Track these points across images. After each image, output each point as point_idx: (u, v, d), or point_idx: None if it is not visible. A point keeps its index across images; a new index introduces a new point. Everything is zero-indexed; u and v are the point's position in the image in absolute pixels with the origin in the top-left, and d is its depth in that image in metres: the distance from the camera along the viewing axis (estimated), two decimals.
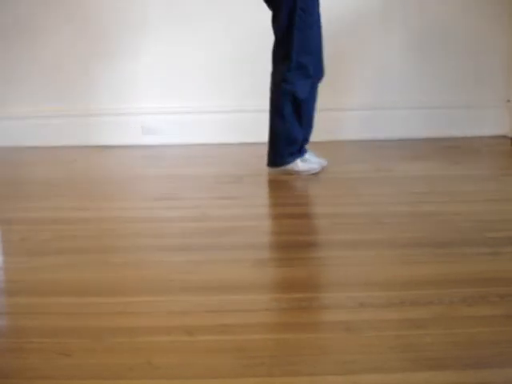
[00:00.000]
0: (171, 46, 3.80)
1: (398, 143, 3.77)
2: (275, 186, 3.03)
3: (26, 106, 3.90)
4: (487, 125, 3.87)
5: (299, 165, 3.10)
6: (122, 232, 2.35)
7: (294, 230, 2.31)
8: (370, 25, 3.82)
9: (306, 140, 3.16)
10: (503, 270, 1.89)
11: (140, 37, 3.81)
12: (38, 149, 3.82)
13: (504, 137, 3.82)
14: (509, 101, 3.87)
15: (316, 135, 3.86)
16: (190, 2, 3.74)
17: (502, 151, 3.59)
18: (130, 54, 3.84)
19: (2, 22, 3.81)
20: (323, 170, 3.12)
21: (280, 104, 3.04)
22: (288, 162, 3.09)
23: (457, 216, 2.41)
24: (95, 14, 3.80)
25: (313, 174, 3.10)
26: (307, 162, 3.12)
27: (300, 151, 3.11)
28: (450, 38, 3.84)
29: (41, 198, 2.84)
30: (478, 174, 3.07)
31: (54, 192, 2.94)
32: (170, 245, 2.19)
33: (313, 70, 3.03)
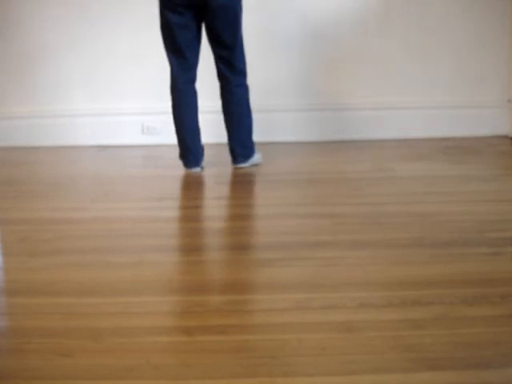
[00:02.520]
0: None
1: (398, 143, 3.77)
2: (275, 186, 3.03)
3: (26, 106, 3.90)
4: (487, 125, 3.87)
5: (258, 155, 3.31)
6: (121, 232, 2.34)
7: (293, 229, 2.31)
8: (370, 25, 3.82)
9: None
10: (504, 270, 1.89)
11: (140, 37, 3.81)
12: (38, 149, 3.82)
13: (504, 137, 3.83)
14: (509, 101, 3.87)
15: (316, 135, 3.87)
16: None
17: (503, 151, 3.59)
18: (129, 55, 3.84)
19: (2, 23, 3.82)
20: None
21: (248, 100, 3.21)
22: (254, 153, 3.27)
23: (457, 216, 2.41)
24: (95, 14, 3.81)
25: (257, 164, 3.28)
26: None
27: None
28: (451, 38, 3.84)
29: (41, 198, 2.84)
30: (478, 174, 3.07)
31: (54, 192, 2.94)
32: (170, 245, 2.18)
33: None
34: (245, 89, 3.19)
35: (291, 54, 3.76)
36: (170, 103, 3.60)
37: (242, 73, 3.18)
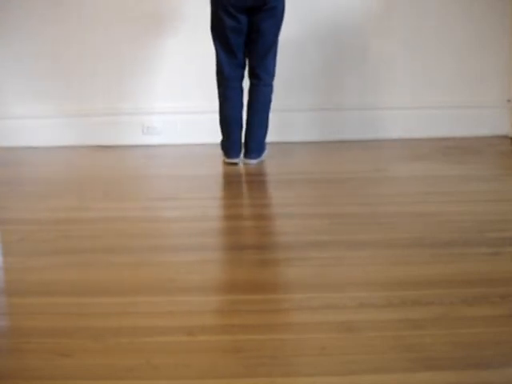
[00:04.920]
0: (172, 46, 3.80)
1: (398, 143, 3.77)
2: (274, 186, 3.03)
3: (26, 106, 3.90)
4: (487, 125, 3.87)
5: (266, 151, 3.41)
6: (121, 232, 2.35)
7: (293, 230, 2.31)
8: (370, 25, 3.82)
9: None
10: (504, 270, 1.89)
11: (140, 37, 3.81)
12: (38, 149, 3.82)
13: (504, 137, 3.83)
14: (509, 101, 3.87)
15: (316, 135, 3.87)
16: (190, 2, 3.74)
17: (502, 151, 3.59)
18: (130, 55, 3.84)
19: (2, 22, 3.81)
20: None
21: (271, 101, 3.33)
22: (265, 150, 3.39)
23: (457, 216, 2.41)
24: (96, 13, 3.80)
25: (262, 160, 3.37)
26: None
27: None
28: (451, 38, 3.84)
29: (41, 197, 2.84)
30: (478, 174, 3.07)
31: (54, 192, 2.94)
32: (171, 245, 2.18)
33: None
34: (271, 89, 3.34)
35: (291, 55, 3.76)
36: (170, 103, 3.63)
37: (271, 74, 3.33)
